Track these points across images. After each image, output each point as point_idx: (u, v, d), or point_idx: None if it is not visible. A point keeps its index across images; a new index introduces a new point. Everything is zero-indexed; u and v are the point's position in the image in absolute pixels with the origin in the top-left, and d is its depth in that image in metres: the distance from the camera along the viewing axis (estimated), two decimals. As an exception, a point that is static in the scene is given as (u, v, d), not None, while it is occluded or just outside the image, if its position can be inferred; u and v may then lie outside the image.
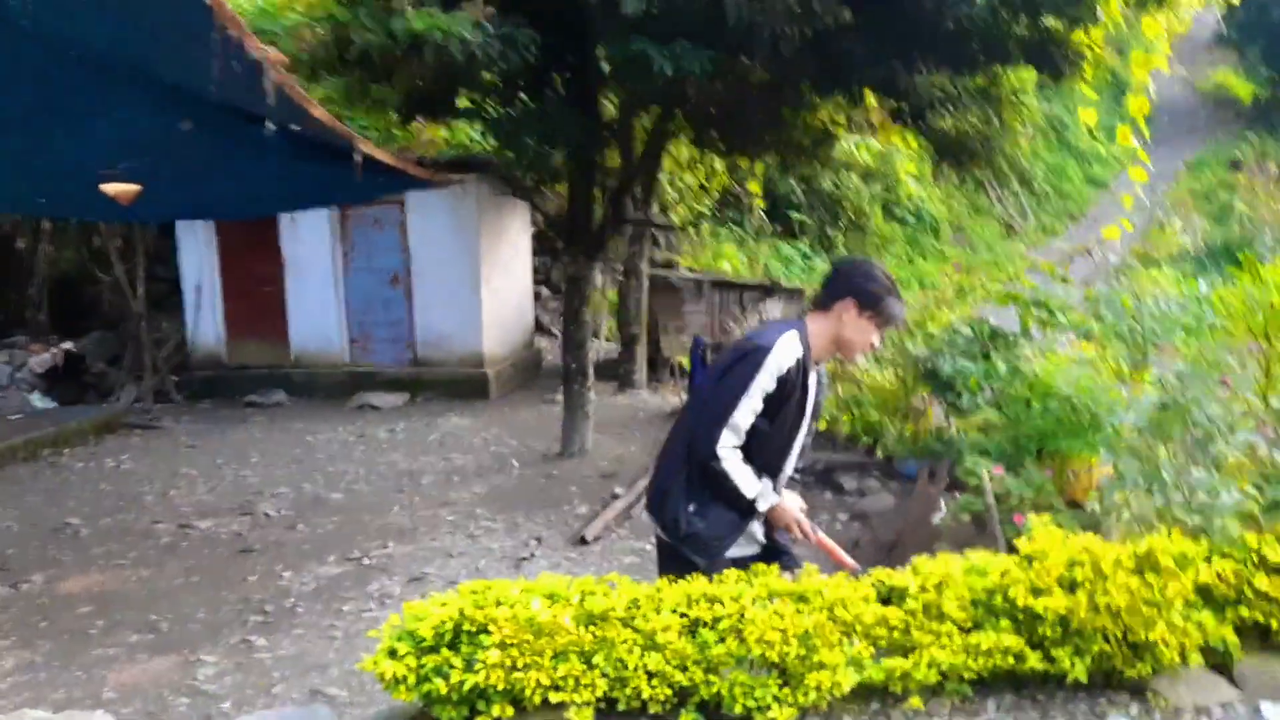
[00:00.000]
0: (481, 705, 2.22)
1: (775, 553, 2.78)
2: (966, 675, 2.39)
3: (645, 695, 2.28)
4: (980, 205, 22.19)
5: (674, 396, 10.34)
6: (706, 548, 2.62)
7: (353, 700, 3.81)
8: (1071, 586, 2.40)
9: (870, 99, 7.42)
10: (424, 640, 2.29)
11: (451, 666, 2.23)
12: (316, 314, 10.84)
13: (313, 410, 10.06)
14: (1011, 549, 2.67)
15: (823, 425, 7.65)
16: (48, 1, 3.24)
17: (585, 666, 2.29)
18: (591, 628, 2.34)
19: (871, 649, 2.41)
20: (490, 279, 10.71)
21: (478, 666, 2.21)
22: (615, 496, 6.63)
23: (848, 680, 2.33)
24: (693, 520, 2.62)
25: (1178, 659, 2.38)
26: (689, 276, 12.34)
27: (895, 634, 2.42)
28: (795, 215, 16.92)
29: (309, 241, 10.67)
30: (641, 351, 11.03)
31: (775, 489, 2.73)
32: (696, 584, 2.50)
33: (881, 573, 2.60)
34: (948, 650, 2.38)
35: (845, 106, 7.82)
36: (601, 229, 7.89)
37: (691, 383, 9.71)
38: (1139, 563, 2.44)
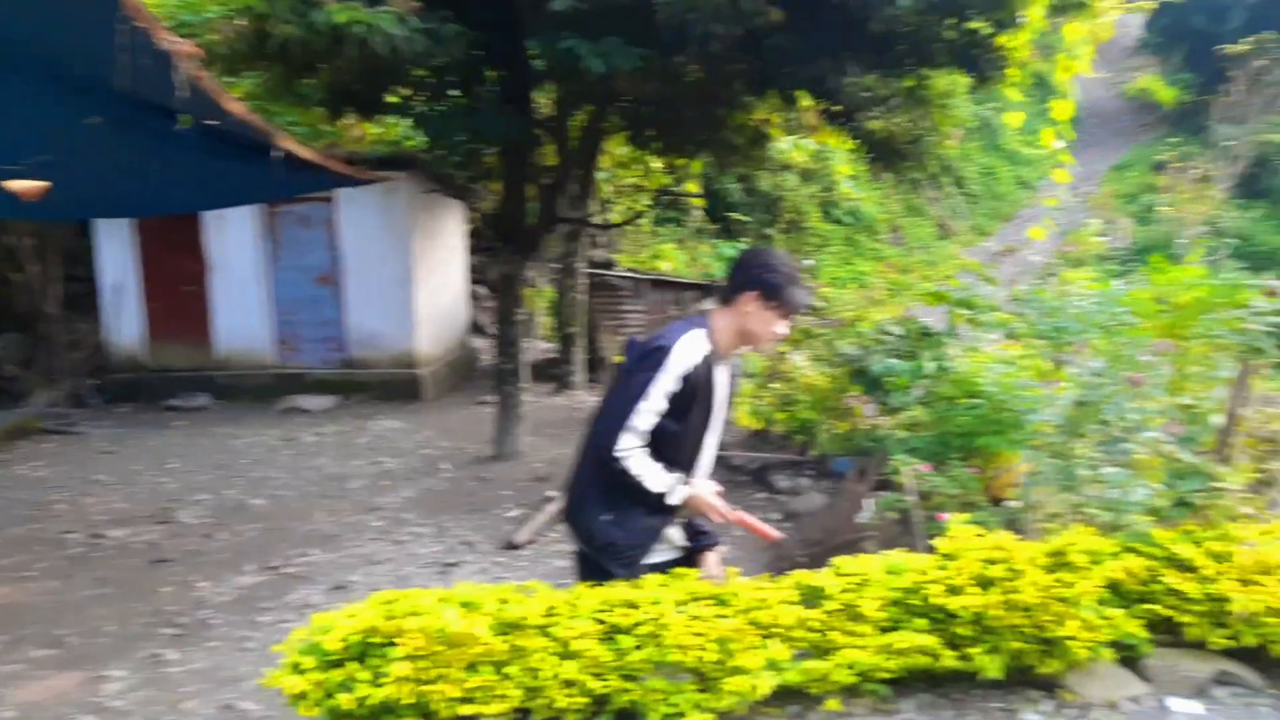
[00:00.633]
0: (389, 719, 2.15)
1: (695, 553, 2.75)
2: (884, 675, 2.39)
3: (561, 705, 2.23)
4: (916, 206, 22.62)
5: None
6: (624, 557, 2.57)
7: (266, 715, 3.68)
8: (986, 585, 2.42)
9: (804, 100, 7.47)
10: (330, 654, 2.21)
11: (357, 681, 2.15)
12: (242, 314, 10.52)
13: (238, 414, 9.76)
14: (931, 548, 2.68)
15: (760, 424, 7.71)
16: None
17: (499, 677, 2.23)
18: (507, 637, 2.28)
19: (791, 651, 2.40)
20: (423, 277, 10.53)
21: (384, 680, 2.14)
22: (548, 499, 6.55)
23: (766, 684, 2.31)
24: (609, 530, 2.56)
25: (1089, 655, 2.42)
26: (628, 275, 12.32)
27: (814, 635, 2.42)
28: (734, 215, 17.02)
29: (235, 239, 10.35)
30: (579, 351, 10.97)
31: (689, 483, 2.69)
32: (615, 590, 2.46)
33: (802, 574, 2.59)
34: (866, 651, 2.38)
35: (779, 107, 7.86)
36: (536, 227, 7.81)
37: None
38: (1052, 560, 2.47)
